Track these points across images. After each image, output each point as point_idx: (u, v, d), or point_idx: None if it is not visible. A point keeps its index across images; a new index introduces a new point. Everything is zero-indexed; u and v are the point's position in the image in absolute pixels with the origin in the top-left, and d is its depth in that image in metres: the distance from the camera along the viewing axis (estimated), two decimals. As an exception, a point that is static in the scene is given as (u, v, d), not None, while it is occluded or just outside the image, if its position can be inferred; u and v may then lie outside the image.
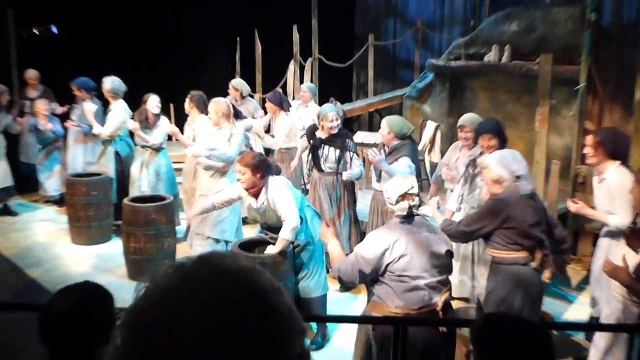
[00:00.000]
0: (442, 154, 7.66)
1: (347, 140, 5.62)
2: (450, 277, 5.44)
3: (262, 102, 8.49)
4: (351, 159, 5.58)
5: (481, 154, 4.74)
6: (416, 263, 3.15)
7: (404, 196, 3.30)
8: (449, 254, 3.31)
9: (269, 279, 0.79)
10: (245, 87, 7.81)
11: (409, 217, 3.30)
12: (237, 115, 6.54)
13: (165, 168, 6.83)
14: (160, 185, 6.80)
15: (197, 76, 10.60)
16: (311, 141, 5.79)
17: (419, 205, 3.35)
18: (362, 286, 5.73)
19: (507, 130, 5.02)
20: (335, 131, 5.61)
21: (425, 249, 3.19)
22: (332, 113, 5.63)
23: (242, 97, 7.71)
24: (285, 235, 4.37)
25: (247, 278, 0.77)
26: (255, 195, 4.51)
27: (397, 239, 3.16)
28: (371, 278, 3.24)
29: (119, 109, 7.02)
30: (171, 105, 9.21)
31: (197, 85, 7.41)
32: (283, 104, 7.01)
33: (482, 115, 5.57)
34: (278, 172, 4.66)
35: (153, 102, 6.74)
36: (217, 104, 5.70)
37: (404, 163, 5.09)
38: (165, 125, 6.75)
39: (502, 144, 4.68)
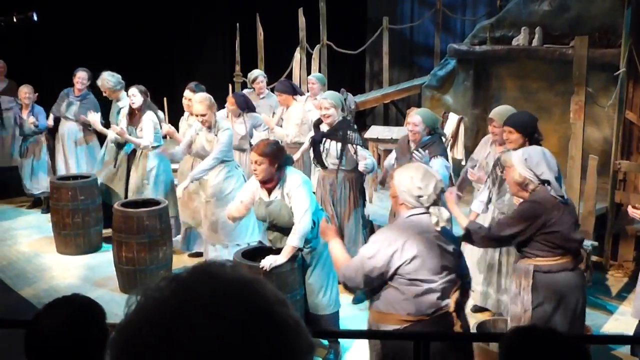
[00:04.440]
0: (467, 150, 7.65)
1: (349, 132, 5.61)
2: (474, 285, 5.46)
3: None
4: (355, 152, 5.56)
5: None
6: (428, 265, 3.16)
7: (435, 194, 3.24)
8: (458, 253, 3.33)
9: (274, 291, 0.80)
10: (266, 78, 8.06)
11: (422, 214, 3.26)
12: (249, 108, 6.78)
13: (156, 171, 6.83)
14: (145, 189, 6.85)
15: (191, 66, 10.63)
16: (312, 135, 5.83)
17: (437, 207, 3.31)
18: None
19: (539, 122, 4.97)
20: (328, 120, 5.63)
21: (436, 250, 3.19)
22: (325, 100, 5.66)
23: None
24: (293, 241, 4.36)
25: (249, 289, 0.77)
26: (269, 190, 4.51)
27: (407, 240, 3.14)
28: (378, 283, 3.24)
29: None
30: (165, 100, 9.26)
31: (192, 76, 7.44)
32: (295, 89, 7.09)
33: (511, 105, 5.54)
34: (292, 163, 4.68)
35: (131, 95, 6.80)
36: (206, 100, 5.75)
37: (440, 164, 5.09)
38: (153, 122, 6.77)
39: (530, 140, 4.64)
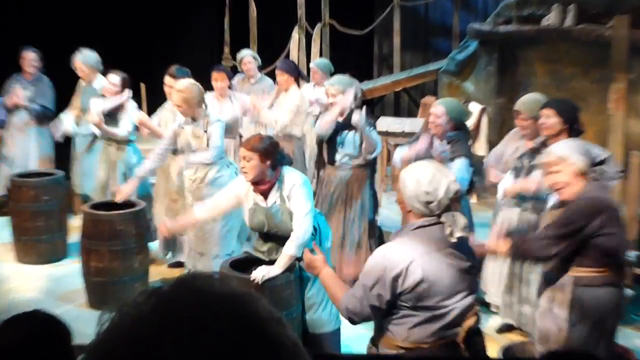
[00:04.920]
0: (490, 145, 7.65)
1: (367, 115, 5.66)
2: (494, 299, 5.43)
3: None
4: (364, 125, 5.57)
5: (544, 144, 4.68)
6: (437, 290, 3.08)
7: (448, 199, 3.13)
8: (475, 270, 3.29)
9: (268, 308, 0.80)
10: (259, 61, 8.06)
11: (434, 224, 3.16)
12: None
13: (131, 168, 6.85)
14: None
15: (174, 48, 10.64)
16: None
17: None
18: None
19: (574, 113, 4.98)
20: (337, 109, 5.65)
21: (449, 270, 3.11)
22: (332, 86, 5.71)
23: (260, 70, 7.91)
24: (290, 249, 4.35)
25: (240, 306, 0.77)
26: (264, 193, 4.50)
27: (413, 261, 3.05)
28: (386, 312, 3.20)
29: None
30: (142, 85, 9.26)
31: (173, 59, 7.44)
32: (301, 73, 7.12)
33: (541, 94, 5.54)
34: (290, 163, 4.68)
35: (112, 83, 6.81)
36: (186, 91, 5.64)
37: (463, 166, 5.08)
38: (132, 111, 6.79)
39: (569, 129, 4.64)
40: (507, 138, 5.51)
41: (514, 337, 5.21)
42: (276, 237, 4.52)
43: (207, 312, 0.75)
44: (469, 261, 3.21)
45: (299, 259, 4.45)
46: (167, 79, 6.56)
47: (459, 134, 5.23)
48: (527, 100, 5.16)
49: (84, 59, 7.28)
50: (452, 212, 3.14)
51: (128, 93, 6.84)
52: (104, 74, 7.15)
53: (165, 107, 6.75)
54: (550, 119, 4.66)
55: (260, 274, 4.33)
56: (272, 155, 4.41)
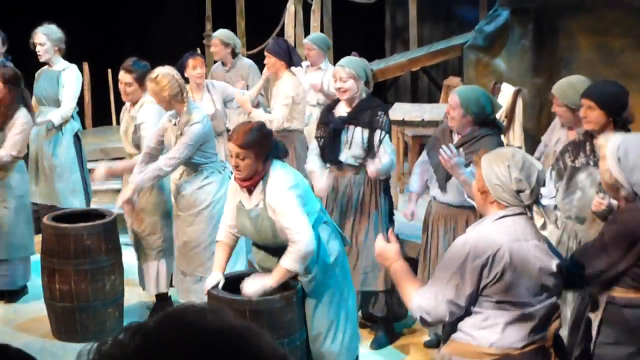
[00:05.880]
0: (526, 134, 7.65)
1: (380, 114, 5.59)
2: None
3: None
4: (381, 141, 5.53)
5: (590, 136, 4.66)
6: (523, 283, 3.21)
7: (531, 182, 3.25)
8: (560, 270, 3.37)
9: (271, 344, 0.80)
10: (237, 41, 8.00)
11: (519, 214, 3.30)
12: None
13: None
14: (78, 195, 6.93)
15: (146, 24, 10.65)
16: (328, 124, 5.75)
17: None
18: (412, 341, 5.81)
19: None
20: (346, 96, 5.61)
21: (534, 264, 3.24)
22: (342, 69, 5.59)
23: (234, 55, 7.83)
24: (288, 263, 4.35)
25: (238, 343, 0.77)
26: (250, 190, 4.52)
27: (499, 249, 3.19)
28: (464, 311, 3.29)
29: (74, 73, 7.26)
30: (109, 72, 9.29)
31: (147, 38, 7.46)
32: (292, 56, 7.03)
33: (585, 72, 5.54)
34: (285, 154, 4.69)
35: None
36: (161, 81, 5.56)
37: None
38: (77, 80, 6.99)
39: (615, 121, 4.62)
40: (550, 128, 5.50)
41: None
42: (264, 247, 4.57)
43: (201, 352, 0.76)
44: (556, 259, 3.33)
45: (297, 278, 4.48)
46: (122, 76, 6.22)
47: (483, 129, 5.10)
48: (562, 85, 5.11)
49: (48, 32, 7.24)
50: (543, 205, 3.34)
51: None
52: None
53: (125, 108, 6.53)
54: (592, 112, 4.59)
55: (252, 288, 4.34)
56: (266, 147, 4.43)
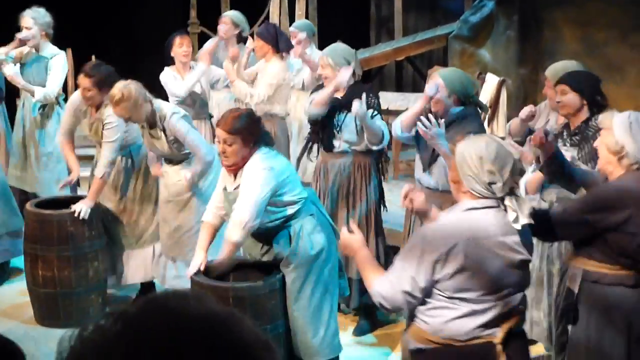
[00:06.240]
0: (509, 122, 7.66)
1: (370, 95, 5.60)
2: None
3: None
4: (372, 117, 5.50)
5: (589, 119, 4.72)
6: (478, 282, 3.19)
7: (504, 173, 3.18)
8: (526, 265, 3.36)
9: (253, 330, 0.81)
10: (246, 26, 7.94)
11: (490, 207, 3.25)
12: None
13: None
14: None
15: (130, 15, 10.59)
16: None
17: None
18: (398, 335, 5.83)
19: (609, 85, 5.04)
20: (327, 84, 5.65)
21: (497, 262, 3.21)
22: (323, 57, 5.68)
23: (240, 40, 7.72)
24: (230, 234, 4.42)
25: (221, 329, 0.78)
26: (234, 174, 4.56)
27: (456, 245, 3.16)
28: (422, 302, 3.30)
29: (62, 60, 7.21)
30: (92, 59, 9.22)
31: (130, 30, 7.42)
32: (279, 42, 7.03)
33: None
34: (271, 143, 4.70)
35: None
36: (129, 92, 5.38)
37: None
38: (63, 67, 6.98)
39: (590, 104, 4.69)
40: (537, 114, 5.53)
41: (540, 350, 5.26)
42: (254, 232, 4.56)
43: (183, 338, 0.75)
44: (522, 254, 3.28)
45: (276, 266, 4.51)
46: (81, 79, 5.98)
47: (465, 109, 5.11)
48: (556, 68, 5.24)
49: (36, 16, 7.11)
50: (517, 196, 3.22)
51: None
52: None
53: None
54: (566, 95, 4.72)
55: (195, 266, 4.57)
56: (254, 134, 4.44)
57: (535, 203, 5.01)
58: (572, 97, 4.70)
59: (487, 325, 3.23)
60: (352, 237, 3.52)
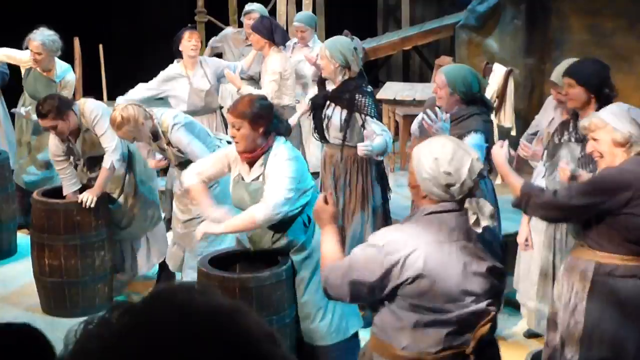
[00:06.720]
0: (518, 115, 7.65)
1: (358, 96, 5.57)
2: (525, 301, 5.45)
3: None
4: (363, 123, 5.47)
5: (575, 114, 4.71)
6: (440, 289, 3.08)
7: (461, 174, 3.08)
8: (495, 272, 3.22)
9: (259, 323, 0.81)
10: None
11: (450, 210, 3.15)
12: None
13: None
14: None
15: (137, 4, 10.58)
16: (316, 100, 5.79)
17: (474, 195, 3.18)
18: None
19: (616, 74, 5.01)
20: (323, 74, 5.65)
21: (457, 267, 3.10)
22: (322, 48, 5.70)
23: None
24: (256, 210, 4.35)
25: (227, 322, 0.78)
26: (251, 163, 4.53)
27: (415, 250, 3.06)
28: (372, 300, 3.24)
29: (71, 80, 7.26)
30: (100, 47, 9.23)
31: (137, 19, 7.42)
32: (275, 34, 7.01)
33: (577, 53, 5.55)
34: (288, 131, 4.69)
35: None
36: (128, 114, 5.34)
37: (475, 141, 5.03)
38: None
39: (597, 97, 4.65)
40: (543, 109, 5.50)
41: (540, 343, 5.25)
42: None
43: (190, 332, 0.76)
44: (487, 259, 3.17)
45: (288, 254, 4.50)
46: (44, 123, 5.90)
47: (471, 108, 5.06)
48: (560, 71, 5.13)
49: (44, 41, 6.99)
50: (476, 198, 3.12)
51: None
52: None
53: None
54: (572, 89, 4.65)
55: (199, 231, 4.57)
56: (264, 120, 4.41)
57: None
58: (578, 91, 4.65)
59: (457, 334, 3.14)
60: (326, 208, 3.42)
